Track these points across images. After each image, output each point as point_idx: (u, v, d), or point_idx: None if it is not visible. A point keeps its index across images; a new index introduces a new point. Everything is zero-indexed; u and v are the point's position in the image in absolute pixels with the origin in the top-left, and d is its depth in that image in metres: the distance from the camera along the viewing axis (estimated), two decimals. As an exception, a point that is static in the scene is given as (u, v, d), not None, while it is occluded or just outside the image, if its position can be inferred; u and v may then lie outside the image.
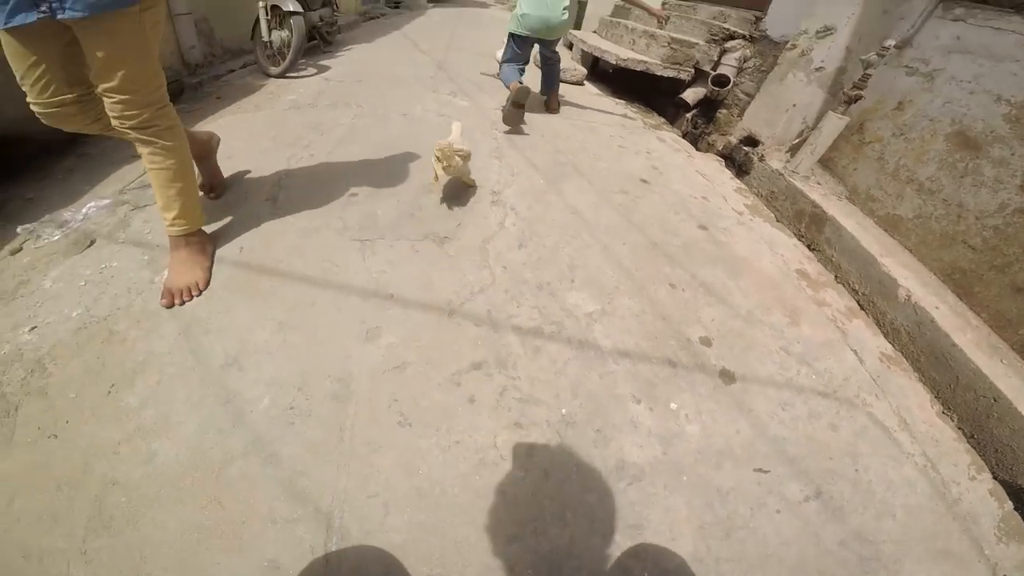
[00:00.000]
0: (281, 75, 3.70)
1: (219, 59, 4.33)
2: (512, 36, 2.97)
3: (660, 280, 1.68)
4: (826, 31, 2.63)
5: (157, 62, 1.26)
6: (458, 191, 2.02)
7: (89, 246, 1.55)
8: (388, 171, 2.11)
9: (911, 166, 2.11)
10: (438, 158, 1.82)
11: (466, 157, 1.90)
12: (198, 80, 3.49)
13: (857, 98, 2.30)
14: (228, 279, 1.42)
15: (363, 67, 4.22)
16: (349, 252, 1.57)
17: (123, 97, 1.20)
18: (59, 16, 1.05)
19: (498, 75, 3.24)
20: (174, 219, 1.36)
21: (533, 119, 3.12)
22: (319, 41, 5.00)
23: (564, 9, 2.81)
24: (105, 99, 1.22)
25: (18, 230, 1.63)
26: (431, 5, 13.46)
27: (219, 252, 1.52)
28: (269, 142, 2.34)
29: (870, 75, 2.25)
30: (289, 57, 3.63)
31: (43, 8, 1.04)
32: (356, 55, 4.88)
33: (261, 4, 3.59)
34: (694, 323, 1.52)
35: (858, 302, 1.85)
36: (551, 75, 3.33)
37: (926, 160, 2.05)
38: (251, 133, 2.46)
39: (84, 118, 1.26)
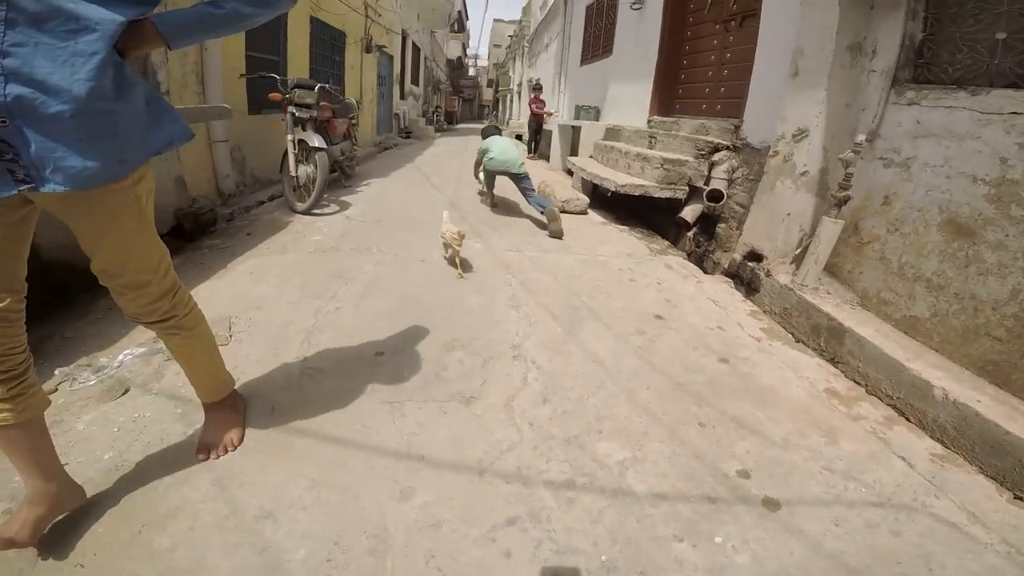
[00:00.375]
0: (307, 212, 4.63)
1: (249, 188, 5.43)
2: (486, 172, 5.18)
3: (689, 420, 1.97)
4: (801, 133, 3.21)
5: (158, 238, 1.36)
6: (482, 347, 2.45)
7: (123, 394, 1.93)
8: (411, 330, 2.56)
9: (914, 262, 2.52)
10: (451, 244, 3.00)
11: (464, 236, 3.27)
12: (230, 211, 4.38)
13: (846, 199, 2.78)
14: (261, 439, 1.73)
15: (381, 204, 5.25)
16: (379, 414, 1.91)
17: (138, 292, 1.30)
18: (43, 189, 1.02)
19: (482, 191, 5.74)
20: (204, 391, 1.63)
21: (545, 258, 3.73)
22: (340, 174, 6.19)
23: (522, 164, 4.88)
24: (117, 295, 1.31)
25: (56, 372, 2.03)
26: (438, 135, 16.63)
27: (252, 410, 1.87)
28: (297, 292, 2.92)
29: (851, 173, 2.74)
30: (314, 194, 4.57)
31: (21, 176, 1.00)
32: (374, 191, 6.07)
33: (289, 138, 4.58)
34: (729, 458, 1.77)
35: (895, 408, 2.11)
36: (529, 192, 4.87)
37: (927, 254, 2.47)
38: (280, 280, 3.08)
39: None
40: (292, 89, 4.73)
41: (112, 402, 1.89)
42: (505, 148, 5.01)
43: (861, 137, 2.75)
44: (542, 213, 4.61)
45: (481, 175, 5.55)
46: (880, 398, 2.21)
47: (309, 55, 7.44)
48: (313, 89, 4.83)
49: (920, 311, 2.45)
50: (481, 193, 5.94)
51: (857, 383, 2.33)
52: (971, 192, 2.31)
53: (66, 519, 1.36)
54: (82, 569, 1.25)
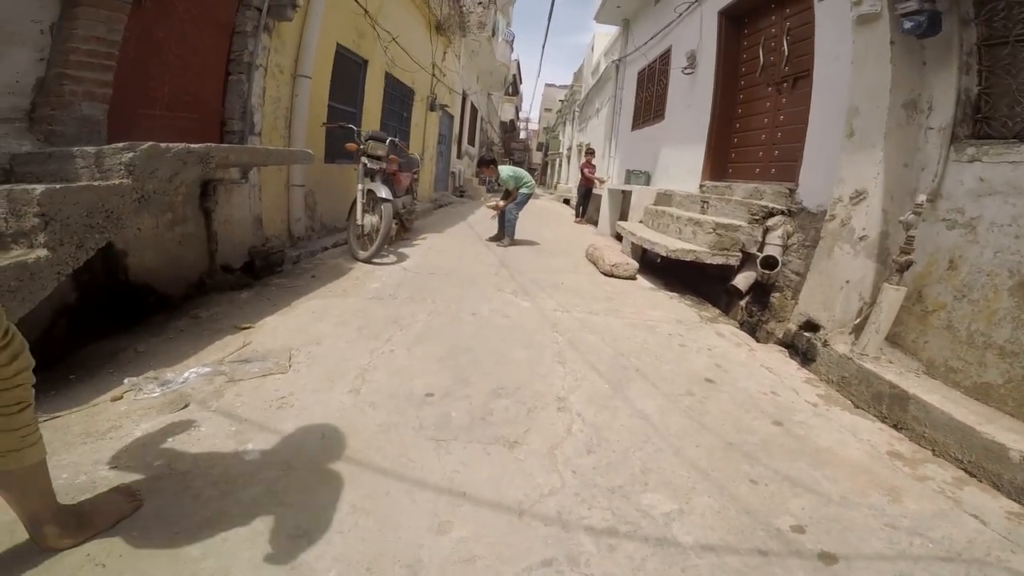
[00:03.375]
0: (368, 260, 4.90)
1: (317, 234, 5.87)
2: (519, 203, 6.67)
3: (739, 478, 1.94)
4: (859, 196, 3.18)
5: None
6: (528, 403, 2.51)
7: (183, 408, 2.07)
8: (460, 375, 2.64)
9: (984, 330, 2.43)
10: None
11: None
12: (297, 253, 4.74)
13: (908, 264, 2.72)
14: (308, 462, 1.82)
15: (436, 259, 5.53)
16: (425, 450, 1.97)
17: None
18: None
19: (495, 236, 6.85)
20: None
21: (592, 320, 3.78)
22: (399, 227, 6.53)
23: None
24: None
25: (125, 381, 2.21)
26: (489, 195, 17.37)
27: (303, 435, 1.97)
28: (354, 332, 3.09)
29: (913, 236, 2.69)
30: (376, 243, 4.86)
31: None
32: (430, 244, 6.44)
33: (360, 187, 4.92)
34: (782, 514, 1.73)
35: (965, 471, 2.02)
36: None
37: (998, 321, 2.39)
38: (339, 321, 3.27)
39: None
40: (366, 141, 5.13)
41: (171, 414, 2.04)
42: (523, 172, 6.42)
43: (922, 198, 2.72)
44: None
45: (496, 213, 6.74)
46: (948, 461, 2.12)
47: (382, 110, 8.09)
48: (385, 142, 5.22)
49: (992, 378, 2.35)
50: (493, 239, 7.00)
51: (922, 447, 2.24)
52: (1043, 252, 2.26)
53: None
54: (103, 569, 1.31)
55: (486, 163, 7.07)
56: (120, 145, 2.40)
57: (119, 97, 2.92)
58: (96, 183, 2.27)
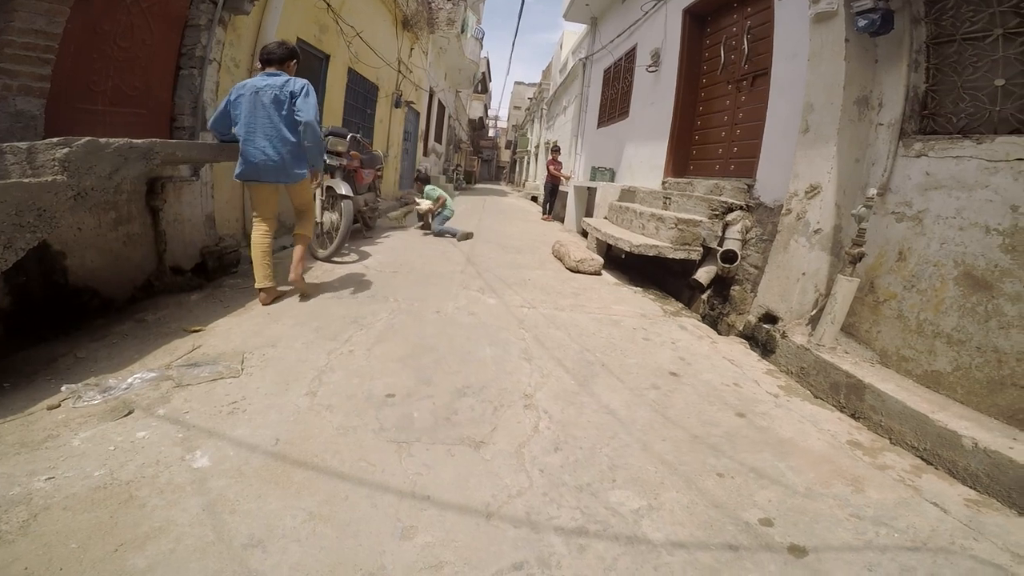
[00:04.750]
0: (327, 259, 4.71)
1: (275, 232, 5.55)
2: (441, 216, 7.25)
3: (706, 471, 1.92)
4: (813, 190, 3.24)
5: None
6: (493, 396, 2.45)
7: (126, 415, 1.94)
8: (423, 374, 2.56)
9: (933, 319, 2.50)
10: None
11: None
12: None
13: (860, 256, 2.77)
14: (261, 467, 1.72)
15: (399, 256, 5.38)
16: (386, 453, 1.89)
17: None
18: None
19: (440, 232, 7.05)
20: None
21: (559, 316, 3.74)
22: (362, 225, 6.36)
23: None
24: None
25: (63, 388, 2.06)
26: (457, 193, 17.29)
27: (255, 441, 1.86)
28: (312, 333, 2.96)
29: (864, 229, 2.75)
30: (336, 241, 4.66)
31: None
32: (393, 243, 6.24)
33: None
34: (750, 507, 1.71)
35: (922, 459, 2.06)
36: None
37: (945, 310, 2.45)
38: (296, 321, 3.13)
39: None
40: (326, 136, 4.95)
41: (113, 422, 1.92)
42: (448, 199, 7.35)
43: (872, 191, 2.78)
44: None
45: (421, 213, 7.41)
46: (906, 449, 2.16)
47: (344, 105, 7.88)
48: (345, 138, 5.07)
49: (942, 366, 2.41)
50: (427, 228, 7.51)
51: (880, 436, 2.28)
52: (985, 243, 2.32)
53: (34, 532, 1.36)
54: None
55: (420, 179, 7.86)
56: (54, 140, 2.24)
57: (59, 92, 2.73)
58: (27, 180, 2.10)
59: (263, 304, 3.37)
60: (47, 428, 1.85)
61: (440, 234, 7.07)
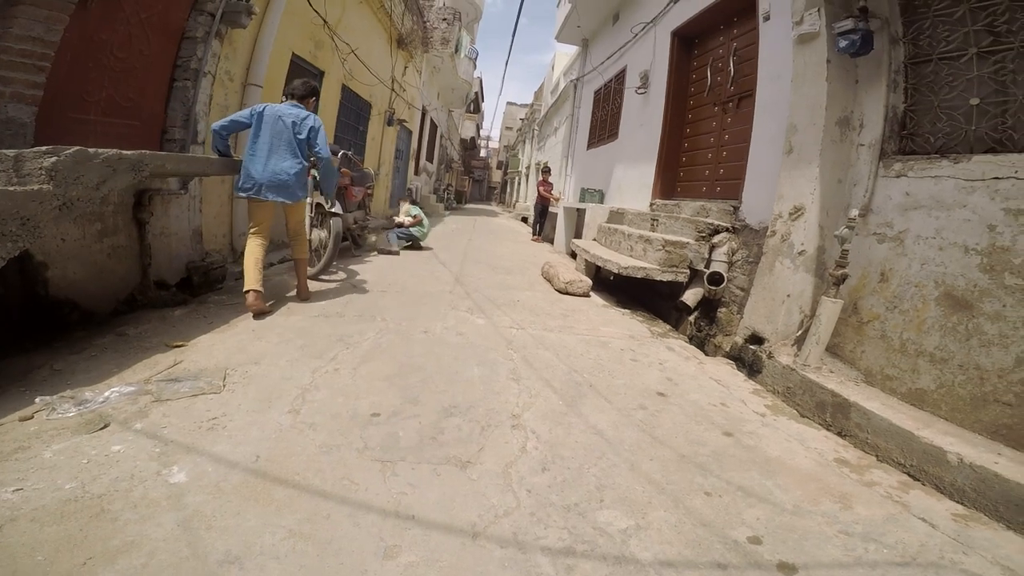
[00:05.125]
0: (315, 276, 4.64)
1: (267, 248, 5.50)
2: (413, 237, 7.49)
3: (694, 490, 1.92)
4: (797, 211, 3.27)
5: None
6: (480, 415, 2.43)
7: (101, 428, 1.90)
8: (409, 395, 2.53)
9: (916, 339, 2.52)
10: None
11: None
12: (240, 269, 4.37)
13: (843, 277, 2.81)
14: (240, 484, 1.68)
15: (388, 275, 5.35)
16: (370, 472, 1.85)
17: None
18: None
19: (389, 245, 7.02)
20: None
21: (547, 337, 3.74)
22: (351, 243, 6.31)
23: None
24: None
25: (36, 400, 2.00)
26: (447, 213, 17.29)
27: (235, 457, 1.82)
28: (297, 351, 2.91)
29: (847, 250, 2.78)
30: (324, 259, 4.61)
31: None
32: (382, 262, 6.21)
33: (308, 200, 4.67)
34: (738, 525, 1.71)
35: (909, 475, 2.07)
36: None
37: (927, 329, 2.48)
38: (281, 339, 3.09)
39: None
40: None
41: (88, 435, 1.87)
42: (425, 221, 7.65)
43: (854, 212, 2.80)
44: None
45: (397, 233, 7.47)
46: (892, 465, 2.18)
47: (336, 122, 7.89)
48: (337, 155, 5.05)
49: (925, 384, 2.44)
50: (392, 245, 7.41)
51: (867, 453, 2.30)
52: (964, 263, 2.35)
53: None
54: None
55: (408, 198, 8.18)
56: (43, 149, 2.22)
57: (51, 100, 2.72)
58: (11, 188, 2.07)
59: (250, 307, 3.42)
60: (17, 439, 1.80)
61: (387, 245, 7.22)
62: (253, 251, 3.58)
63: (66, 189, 2.25)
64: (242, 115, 3.56)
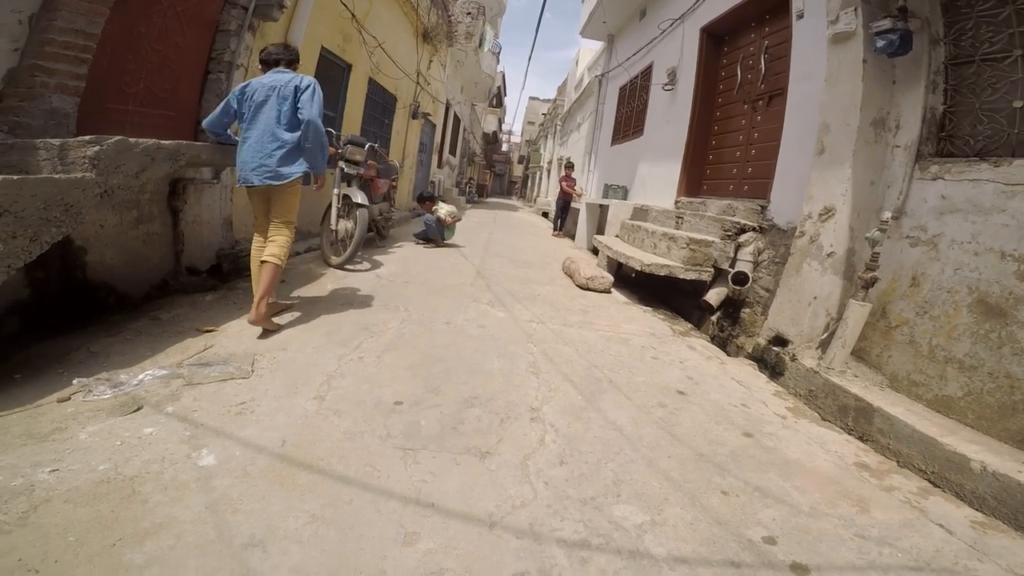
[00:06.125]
0: (340, 266, 4.78)
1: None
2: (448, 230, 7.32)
3: (711, 489, 1.93)
4: (827, 212, 3.20)
5: None
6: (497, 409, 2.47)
7: (135, 411, 1.97)
8: (431, 383, 2.59)
9: (945, 345, 2.47)
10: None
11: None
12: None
13: (873, 280, 2.76)
14: (266, 468, 1.74)
15: (411, 267, 5.44)
16: (392, 459, 1.91)
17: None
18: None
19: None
20: None
21: (567, 332, 3.76)
22: (375, 234, 6.43)
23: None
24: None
25: (74, 381, 2.09)
26: (468, 206, 17.47)
27: (262, 442, 1.88)
28: (323, 339, 2.99)
29: (878, 253, 2.73)
30: (350, 249, 4.72)
31: None
32: (405, 253, 6.32)
33: (336, 192, 4.78)
34: (754, 525, 1.71)
35: (929, 481, 2.05)
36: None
37: (957, 336, 2.43)
38: (308, 327, 3.18)
39: None
40: (345, 145, 5.04)
41: (121, 417, 1.95)
42: (455, 219, 7.44)
43: (887, 215, 2.76)
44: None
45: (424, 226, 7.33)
46: (913, 471, 2.16)
47: (363, 115, 8.00)
48: (364, 147, 5.14)
49: (952, 391, 2.40)
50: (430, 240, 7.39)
51: (888, 458, 2.28)
52: (1000, 269, 2.30)
53: (32, 524, 1.37)
54: (36, 574, 1.24)
55: (424, 199, 7.52)
56: (87, 138, 2.32)
57: (92, 91, 2.82)
58: (57, 176, 2.17)
59: (250, 323, 2.98)
60: (55, 420, 1.88)
61: (422, 234, 7.27)
62: (254, 257, 3.19)
63: (108, 177, 2.35)
64: (229, 99, 3.13)
